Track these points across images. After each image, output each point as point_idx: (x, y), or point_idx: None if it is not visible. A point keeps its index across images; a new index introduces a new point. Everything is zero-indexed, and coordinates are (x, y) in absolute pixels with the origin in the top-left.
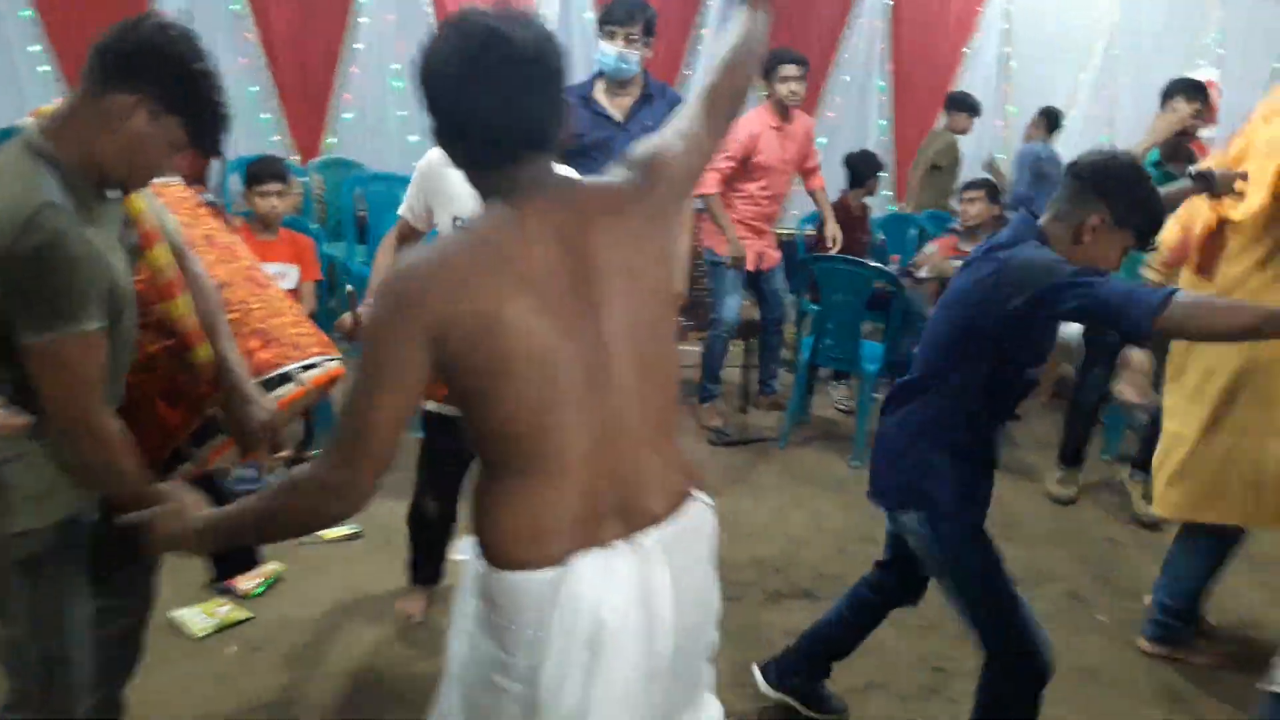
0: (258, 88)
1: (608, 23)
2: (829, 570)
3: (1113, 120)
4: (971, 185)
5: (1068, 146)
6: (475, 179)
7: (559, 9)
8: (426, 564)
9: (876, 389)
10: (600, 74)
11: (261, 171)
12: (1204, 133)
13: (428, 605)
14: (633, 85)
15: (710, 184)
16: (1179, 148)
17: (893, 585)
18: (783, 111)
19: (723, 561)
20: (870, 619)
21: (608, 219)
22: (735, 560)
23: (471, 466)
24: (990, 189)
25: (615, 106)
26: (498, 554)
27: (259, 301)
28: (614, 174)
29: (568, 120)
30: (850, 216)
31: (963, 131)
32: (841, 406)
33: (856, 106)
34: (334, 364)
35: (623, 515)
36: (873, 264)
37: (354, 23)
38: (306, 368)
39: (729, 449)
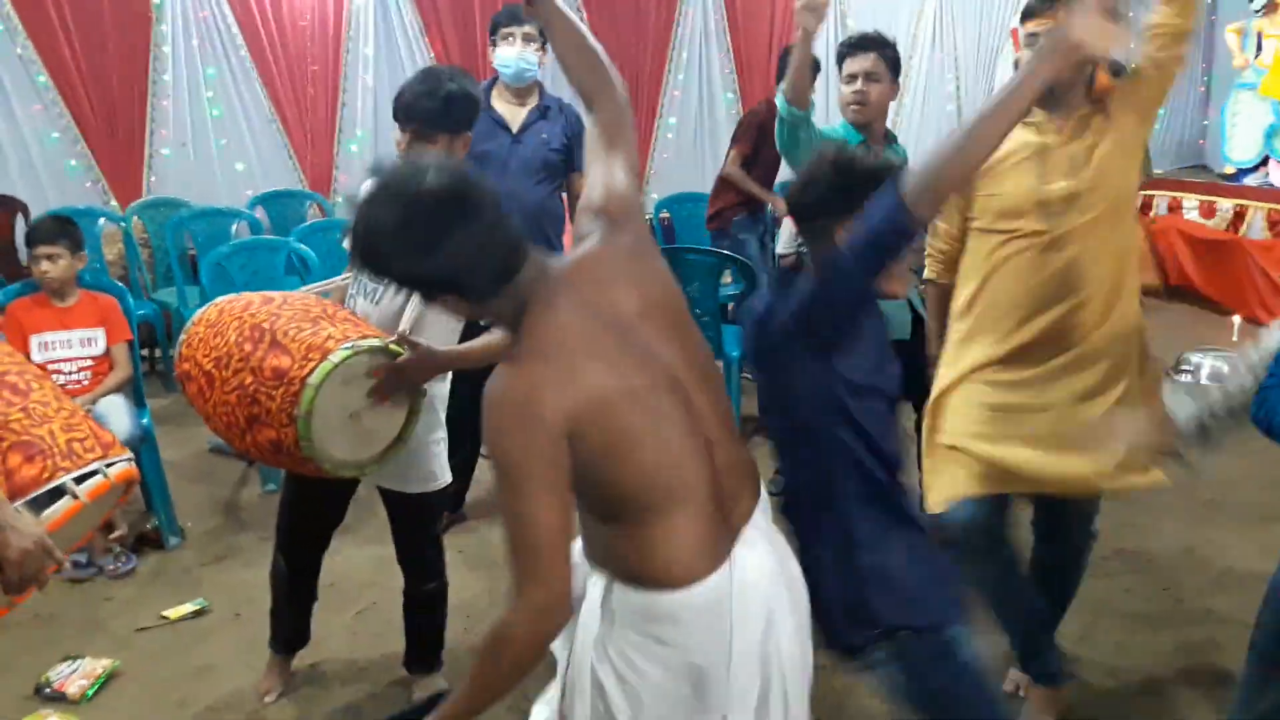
0: (58, 134)
1: (502, 26)
2: None
3: (957, 62)
4: None
5: (915, 95)
6: (491, 306)
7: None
8: (290, 625)
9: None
10: (496, 80)
11: (34, 235)
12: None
13: (288, 679)
14: (531, 93)
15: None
16: None
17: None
18: None
19: None
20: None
21: (612, 272)
22: None
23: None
24: None
25: (511, 115)
26: (666, 579)
27: (19, 411)
28: (588, 232)
29: (518, 218)
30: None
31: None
32: None
33: (700, 80)
34: (121, 467)
35: (736, 504)
36: (723, 252)
37: (156, 53)
38: (82, 478)
39: None
